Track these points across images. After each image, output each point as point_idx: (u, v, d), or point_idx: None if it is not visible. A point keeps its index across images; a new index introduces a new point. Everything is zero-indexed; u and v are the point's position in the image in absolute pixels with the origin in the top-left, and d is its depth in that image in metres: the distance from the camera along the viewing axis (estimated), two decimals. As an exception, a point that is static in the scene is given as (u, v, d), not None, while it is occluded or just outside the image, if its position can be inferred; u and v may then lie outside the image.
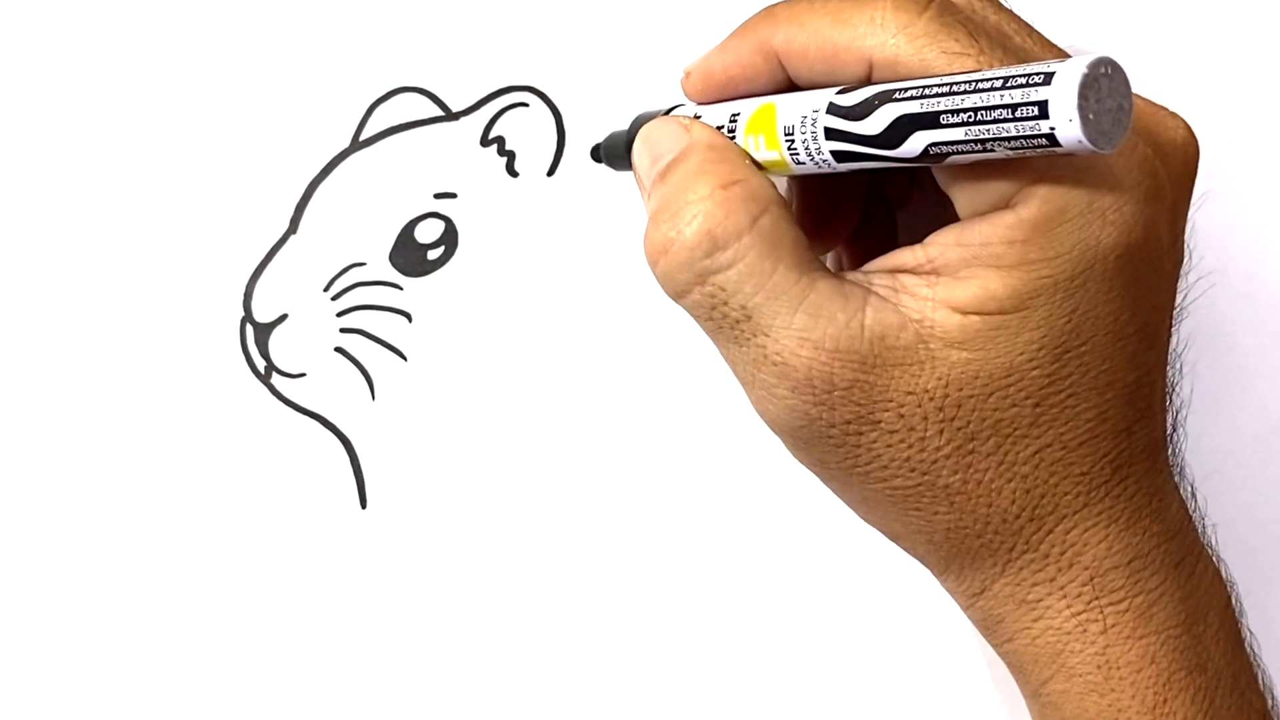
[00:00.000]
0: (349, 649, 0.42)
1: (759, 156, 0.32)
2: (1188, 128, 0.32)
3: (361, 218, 0.42)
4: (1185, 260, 0.33)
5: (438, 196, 0.42)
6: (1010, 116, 0.26)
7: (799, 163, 0.31)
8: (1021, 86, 0.26)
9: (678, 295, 0.31)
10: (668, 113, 0.35)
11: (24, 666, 0.41)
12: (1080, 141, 0.26)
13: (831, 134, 0.30)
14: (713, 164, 0.31)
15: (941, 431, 0.30)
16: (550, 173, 0.42)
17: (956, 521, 0.31)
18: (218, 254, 0.41)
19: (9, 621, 0.41)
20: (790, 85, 0.32)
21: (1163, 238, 0.30)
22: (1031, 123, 0.26)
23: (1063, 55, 0.31)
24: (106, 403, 0.41)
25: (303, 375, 0.41)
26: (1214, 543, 0.35)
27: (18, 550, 0.41)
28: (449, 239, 0.42)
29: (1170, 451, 0.33)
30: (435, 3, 0.42)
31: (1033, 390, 0.30)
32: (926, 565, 0.33)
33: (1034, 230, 0.29)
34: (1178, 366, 0.35)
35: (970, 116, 0.27)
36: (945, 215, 0.31)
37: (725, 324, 0.31)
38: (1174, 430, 0.34)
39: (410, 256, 0.42)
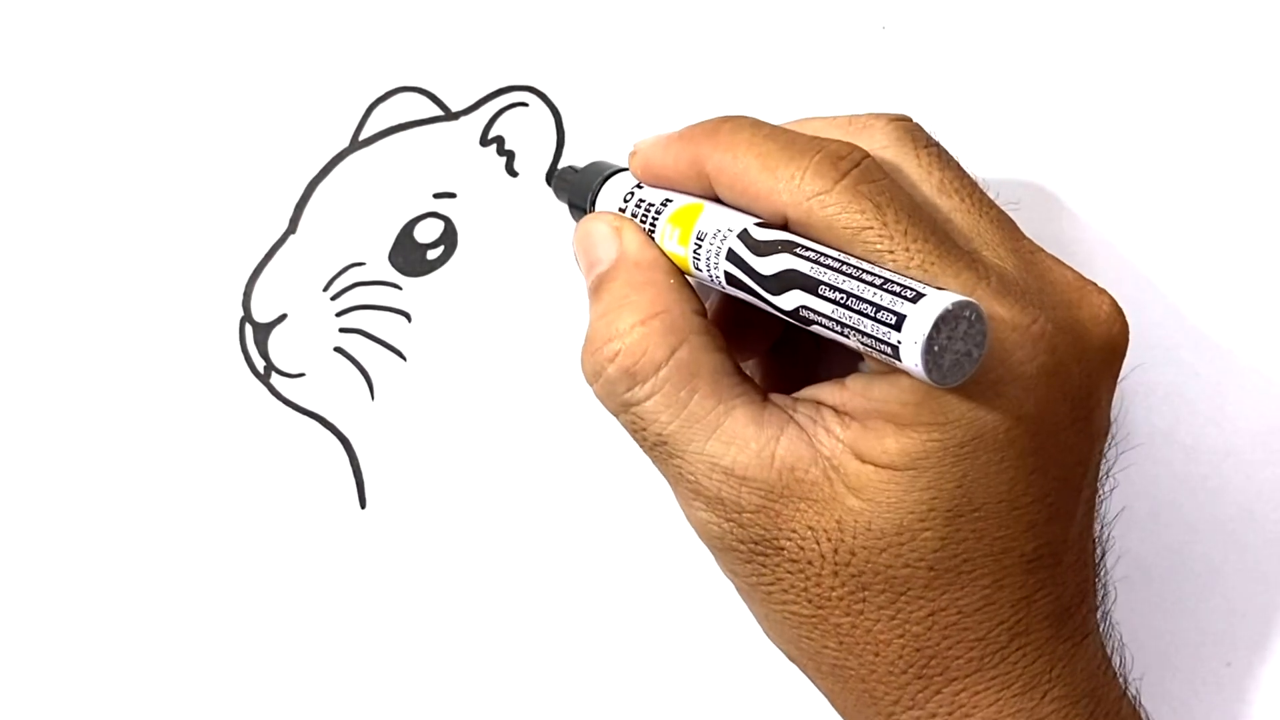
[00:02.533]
0: (349, 649, 0.42)
1: (667, 246, 0.33)
2: (1113, 304, 0.32)
3: (361, 217, 0.42)
4: (1112, 430, 0.34)
5: (437, 196, 0.42)
6: (871, 315, 0.27)
7: (696, 268, 0.32)
8: (893, 294, 0.27)
9: (611, 414, 0.34)
10: (616, 173, 0.37)
11: (24, 666, 0.41)
12: (916, 366, 0.26)
13: (732, 257, 0.31)
14: (636, 291, 0.33)
15: (836, 573, 0.31)
16: (550, 172, 0.42)
17: (843, 661, 0.32)
18: (217, 254, 0.41)
19: (8, 621, 0.41)
20: (714, 197, 0.33)
21: (1062, 416, 0.31)
22: (885, 329, 0.27)
23: (1002, 235, 0.32)
24: (106, 402, 0.41)
25: (302, 375, 0.41)
26: (1138, 697, 0.35)
27: (17, 550, 0.41)
28: (448, 239, 0.42)
29: (1099, 614, 0.34)
30: (435, 3, 0.42)
31: (926, 552, 0.30)
32: (821, 693, 0.34)
33: (926, 396, 0.29)
34: (1105, 536, 0.36)
35: (842, 298, 0.28)
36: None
37: (646, 445, 0.33)
38: (1105, 593, 0.35)
39: (410, 256, 0.42)
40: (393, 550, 0.42)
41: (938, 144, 0.34)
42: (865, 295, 0.27)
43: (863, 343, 0.28)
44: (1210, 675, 0.43)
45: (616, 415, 0.34)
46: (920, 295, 0.27)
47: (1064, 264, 0.33)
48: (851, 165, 0.31)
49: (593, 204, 0.37)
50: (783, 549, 0.31)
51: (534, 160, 0.42)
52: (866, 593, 0.31)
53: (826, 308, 0.28)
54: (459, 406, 0.42)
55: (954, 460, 0.30)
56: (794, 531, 0.31)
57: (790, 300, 0.29)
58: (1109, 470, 0.35)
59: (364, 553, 0.42)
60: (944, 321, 0.26)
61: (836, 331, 0.28)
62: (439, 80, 0.42)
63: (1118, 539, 0.42)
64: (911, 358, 0.26)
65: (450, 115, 0.42)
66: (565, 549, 0.42)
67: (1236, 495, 0.43)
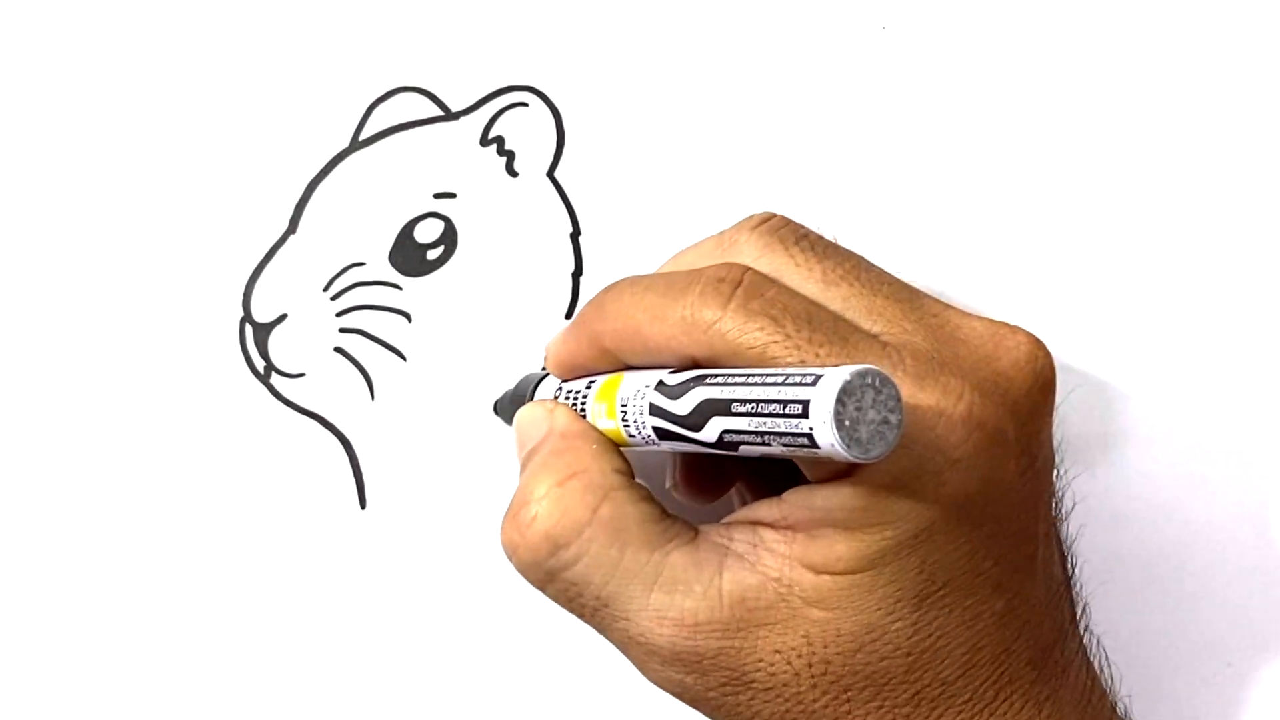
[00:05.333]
0: (349, 649, 0.42)
1: (601, 425, 0.33)
2: (1030, 341, 0.32)
3: (361, 217, 0.42)
4: (1058, 459, 0.33)
5: (437, 196, 0.42)
6: (782, 412, 0.27)
7: (630, 435, 0.32)
8: (795, 385, 0.26)
9: (538, 589, 0.32)
10: (545, 378, 0.37)
11: (23, 666, 0.41)
12: (833, 445, 0.26)
13: (654, 410, 0.30)
14: (556, 456, 0.32)
15: (814, 685, 0.30)
16: (550, 172, 0.42)
17: None
18: (217, 254, 0.41)
19: (8, 621, 0.41)
20: (630, 367, 0.33)
21: (1007, 475, 0.30)
22: (795, 420, 0.26)
23: (910, 313, 0.31)
24: (105, 402, 0.41)
25: (302, 375, 0.41)
26: (1128, 710, 0.35)
27: (16, 550, 0.41)
28: (449, 239, 0.42)
29: (1066, 641, 0.33)
30: (435, 3, 0.42)
31: (900, 641, 0.30)
32: None
33: (870, 499, 0.29)
34: (1071, 551, 0.35)
35: (753, 408, 0.27)
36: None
37: (586, 613, 0.32)
38: (1083, 613, 0.35)
39: (410, 256, 0.42)
40: (393, 550, 0.42)
41: (808, 233, 0.33)
42: (771, 396, 0.27)
43: (784, 445, 0.27)
44: (1210, 675, 0.43)
45: (543, 588, 0.32)
46: (819, 377, 0.26)
47: (971, 315, 0.32)
48: (733, 286, 0.30)
49: None
50: (753, 682, 0.31)
51: (534, 160, 0.42)
52: (849, 693, 0.30)
53: (742, 423, 0.28)
54: (459, 407, 0.42)
55: (910, 550, 0.29)
56: (761, 661, 0.30)
57: (712, 430, 0.29)
58: (1066, 485, 0.35)
59: (364, 553, 0.42)
60: (847, 394, 0.26)
61: (758, 444, 0.28)
62: (439, 80, 0.42)
63: (1117, 541, 0.42)
64: (826, 438, 0.26)
65: (450, 115, 0.42)
66: (565, 549, 0.42)
67: (1236, 495, 0.43)
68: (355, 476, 0.42)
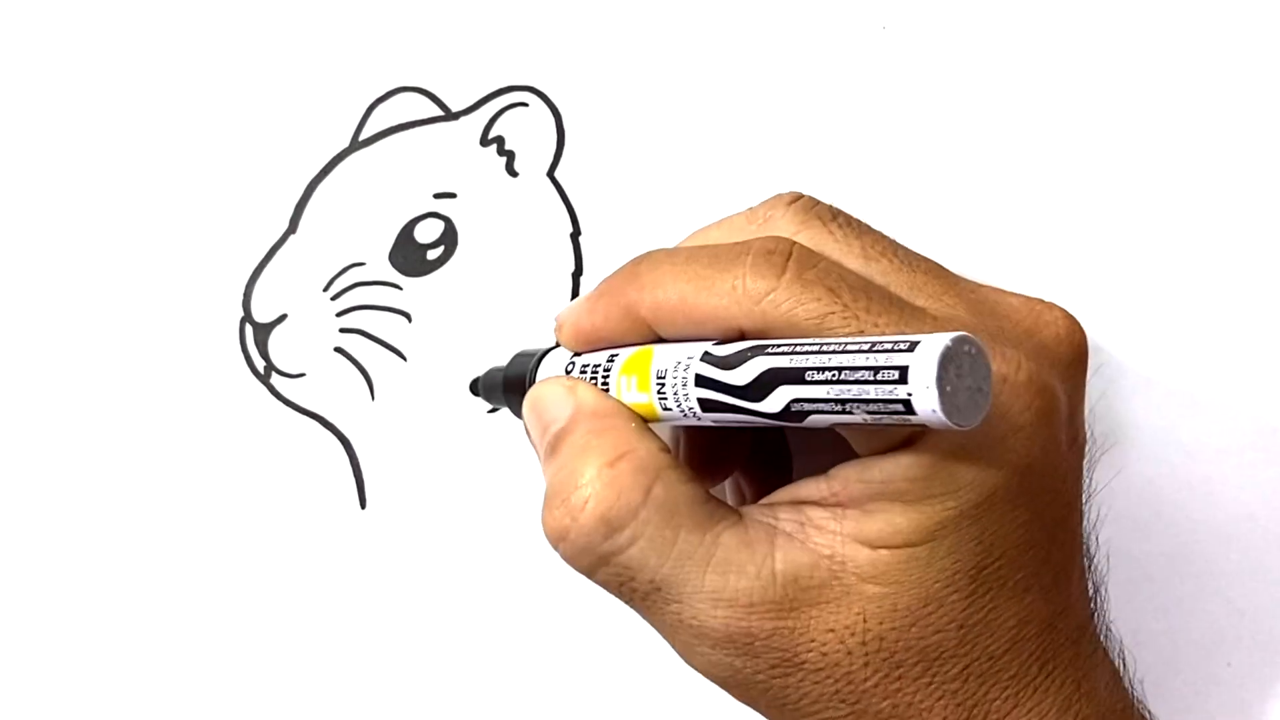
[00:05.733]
0: (349, 649, 0.42)
1: (628, 399, 0.32)
2: (1066, 316, 0.32)
3: (361, 217, 0.42)
4: (1089, 441, 0.33)
5: (437, 196, 0.42)
6: (871, 379, 0.26)
7: (665, 409, 0.31)
8: (886, 351, 0.26)
9: (585, 574, 0.31)
10: (546, 354, 0.35)
11: (24, 666, 0.41)
12: (934, 411, 0.25)
13: (701, 381, 0.30)
14: (597, 436, 0.31)
15: (866, 664, 0.30)
16: (550, 172, 0.42)
17: None
18: (217, 254, 0.41)
19: (8, 621, 0.41)
20: (658, 340, 0.32)
21: (1061, 445, 0.30)
22: (890, 386, 0.26)
23: (949, 290, 0.31)
24: (106, 403, 0.41)
25: (302, 375, 0.41)
26: (1143, 697, 0.35)
27: (17, 550, 0.41)
28: (449, 239, 0.42)
29: (1094, 620, 0.33)
30: (435, 3, 0.42)
31: (955, 615, 0.30)
32: None
33: (933, 468, 0.29)
34: (1094, 538, 0.35)
35: (834, 375, 0.27)
36: (837, 439, 0.30)
37: (636, 596, 0.31)
38: (1095, 593, 0.35)
39: (410, 256, 0.42)
40: (393, 550, 0.42)
41: (842, 212, 0.33)
42: (858, 364, 0.27)
43: (869, 413, 0.27)
44: (1210, 675, 0.43)
45: (592, 573, 0.31)
46: (915, 344, 0.26)
47: (1006, 292, 0.32)
48: (784, 257, 0.30)
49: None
50: (804, 663, 0.30)
51: (534, 160, 0.42)
52: (901, 669, 0.30)
53: (820, 391, 0.27)
54: (459, 407, 0.42)
55: (971, 522, 0.29)
56: (812, 642, 0.30)
57: (777, 400, 0.28)
58: (1089, 474, 0.35)
59: (364, 553, 0.42)
60: (948, 359, 0.25)
61: (836, 412, 0.27)
62: (439, 80, 0.42)
63: (1118, 540, 0.42)
64: (926, 404, 0.25)
65: (450, 115, 0.42)
66: (565, 549, 0.42)
67: (1236, 495, 0.43)
68: (355, 476, 0.42)
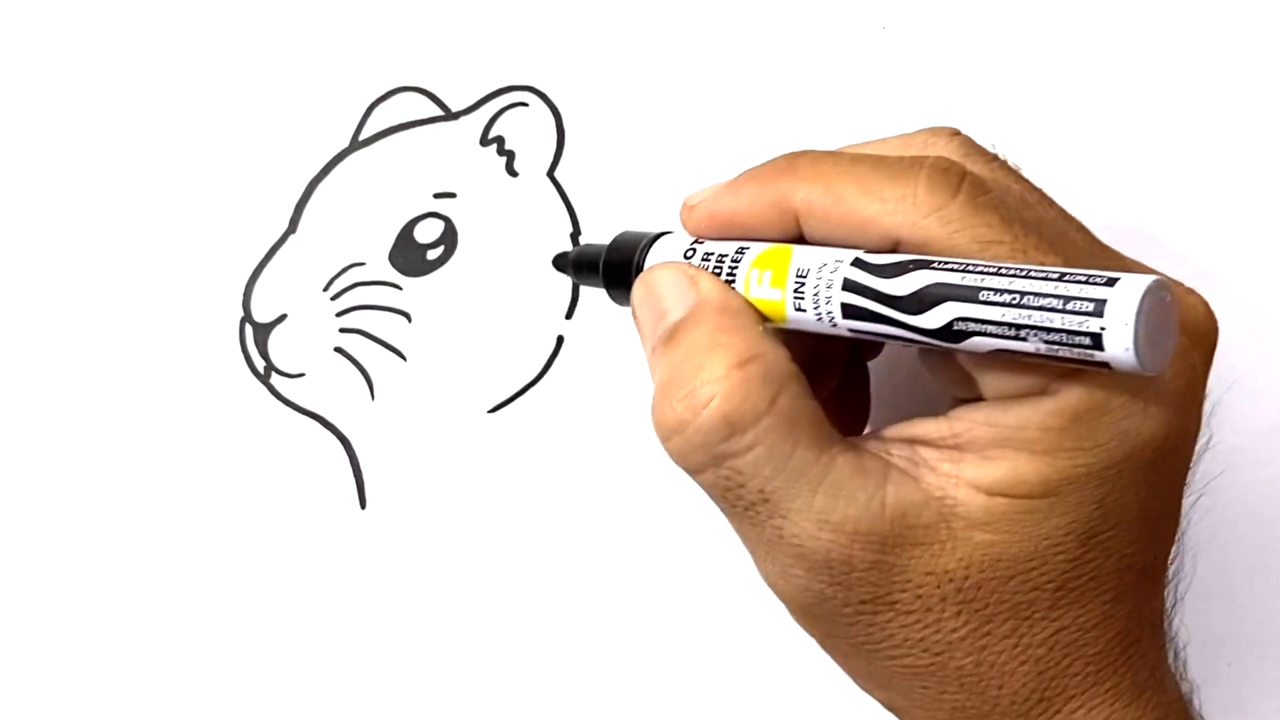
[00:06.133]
0: (349, 649, 0.42)
1: (755, 293, 0.30)
2: (1205, 304, 0.31)
3: (361, 217, 0.42)
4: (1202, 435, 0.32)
5: (437, 196, 0.42)
6: (1060, 308, 0.25)
7: (799, 309, 0.30)
8: (1080, 283, 0.25)
9: (691, 473, 0.30)
10: (657, 238, 0.34)
11: (24, 666, 0.41)
12: (1127, 349, 0.25)
13: (850, 286, 0.29)
14: (724, 334, 0.30)
15: (959, 613, 0.29)
16: (550, 172, 0.42)
17: (965, 702, 0.30)
18: (217, 254, 0.41)
19: (8, 621, 0.41)
20: (798, 239, 0.31)
21: (1194, 423, 0.30)
22: (1081, 319, 0.25)
23: (1103, 251, 0.30)
24: (106, 402, 0.41)
25: (302, 375, 0.41)
26: (1201, 705, 0.35)
27: (17, 550, 0.41)
28: (448, 239, 0.42)
29: (1166, 621, 0.33)
30: (435, 3, 0.42)
31: (1055, 575, 0.29)
32: None
33: (1074, 420, 0.28)
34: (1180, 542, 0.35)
35: (1015, 299, 0.26)
36: (942, 388, 0.30)
37: (740, 505, 0.30)
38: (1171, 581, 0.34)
39: (410, 256, 0.42)
40: (393, 550, 0.42)
41: (1000, 155, 0.32)
42: (1045, 290, 0.25)
43: (1046, 342, 0.26)
44: (1210, 675, 0.43)
45: (700, 472, 0.30)
46: (1114, 279, 0.25)
47: (1144, 265, 0.31)
48: (959, 178, 0.28)
49: (638, 272, 0.34)
50: (896, 603, 0.29)
51: (534, 160, 0.42)
52: (990, 624, 0.29)
53: (995, 313, 0.26)
54: (459, 406, 0.42)
55: (1097, 484, 0.28)
56: (909, 582, 0.29)
57: (939, 315, 0.27)
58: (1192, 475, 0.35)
59: (364, 553, 0.42)
60: (1147, 300, 0.24)
61: (1008, 337, 0.26)
62: (439, 80, 0.42)
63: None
64: (1120, 341, 0.24)
65: (450, 115, 0.42)
66: (565, 549, 0.42)
67: (1237, 495, 0.43)
68: (355, 476, 0.42)
